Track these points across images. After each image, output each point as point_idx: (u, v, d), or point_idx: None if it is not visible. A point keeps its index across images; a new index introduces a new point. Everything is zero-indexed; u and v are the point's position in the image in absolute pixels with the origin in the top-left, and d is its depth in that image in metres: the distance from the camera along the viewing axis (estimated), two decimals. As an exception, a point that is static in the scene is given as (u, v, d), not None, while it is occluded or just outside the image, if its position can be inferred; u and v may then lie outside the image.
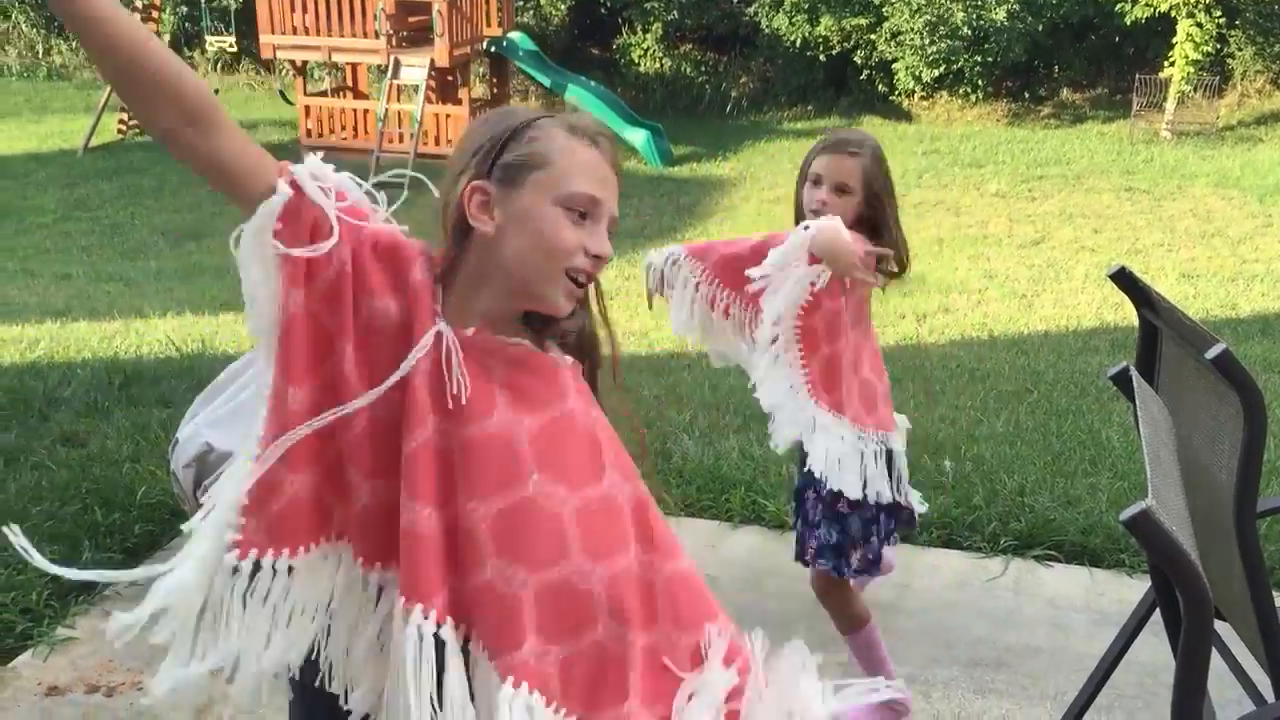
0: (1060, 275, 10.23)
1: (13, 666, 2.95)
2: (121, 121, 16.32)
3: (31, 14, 21.00)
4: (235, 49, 17.83)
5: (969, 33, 16.47)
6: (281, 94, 17.27)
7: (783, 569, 3.51)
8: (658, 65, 19.63)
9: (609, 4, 19.89)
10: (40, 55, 20.97)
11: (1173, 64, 17.03)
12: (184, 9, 18.80)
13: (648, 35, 19.49)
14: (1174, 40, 16.98)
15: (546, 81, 16.40)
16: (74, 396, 4.80)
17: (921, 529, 3.69)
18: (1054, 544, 3.59)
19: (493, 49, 16.13)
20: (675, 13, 19.08)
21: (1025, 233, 12.27)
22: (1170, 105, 17.12)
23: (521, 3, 19.00)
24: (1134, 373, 1.87)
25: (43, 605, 3.16)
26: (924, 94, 18.39)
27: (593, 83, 16.61)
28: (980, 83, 17.83)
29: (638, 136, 15.81)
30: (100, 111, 15.99)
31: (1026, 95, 18.79)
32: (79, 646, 3.00)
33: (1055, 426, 5.04)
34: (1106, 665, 2.44)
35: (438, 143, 15.52)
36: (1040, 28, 17.08)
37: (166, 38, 18.36)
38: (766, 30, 18.66)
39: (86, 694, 2.86)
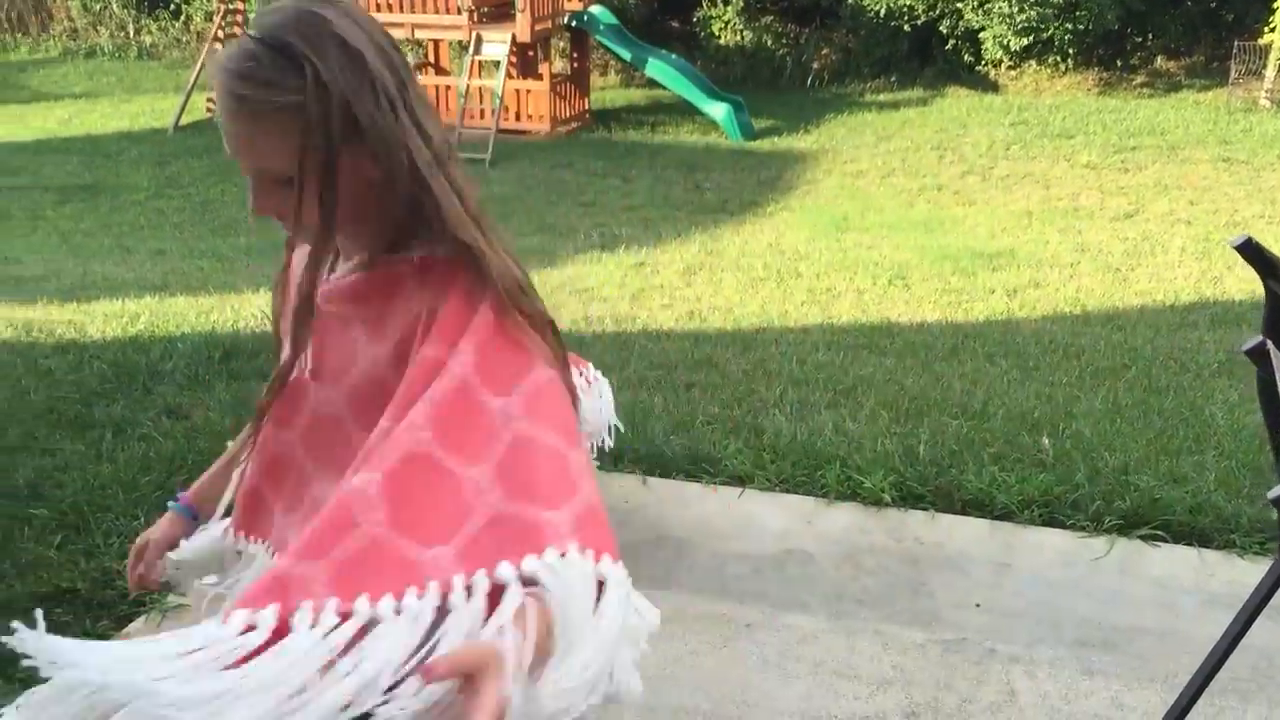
0: (1156, 249, 9.96)
1: (126, 633, 3.03)
2: (210, 100, 16.59)
3: (123, -5, 21.45)
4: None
5: (1059, 1, 16.06)
6: (365, 71, 17.43)
7: (880, 546, 3.48)
8: (738, 38, 19.44)
9: (689, -24, 19.77)
10: (131, 36, 21.41)
11: (1273, 30, 16.43)
12: (269, -12, 19.12)
13: (728, 8, 19.31)
14: (1275, 5, 16.39)
15: (626, 55, 16.34)
16: (176, 370, 4.91)
17: (1021, 507, 3.63)
18: (1161, 523, 3.50)
19: (573, 23, 16.11)
20: (756, -16, 18.92)
21: (1118, 205, 11.97)
22: (1270, 73, 16.54)
23: (601, -23, 18.96)
24: (1270, 345, 1.80)
25: (154, 572, 3.25)
26: (1011, 64, 17.99)
27: (673, 56, 16.51)
28: (1071, 51, 17.38)
29: (719, 110, 15.70)
30: (190, 90, 16.30)
31: (1119, 63, 18.28)
32: (189, 614, 3.07)
33: (1155, 403, 4.91)
34: (1224, 647, 2.37)
35: (518, 118, 15.58)
36: (1134, -6, 16.61)
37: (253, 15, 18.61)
38: (850, 1, 18.39)
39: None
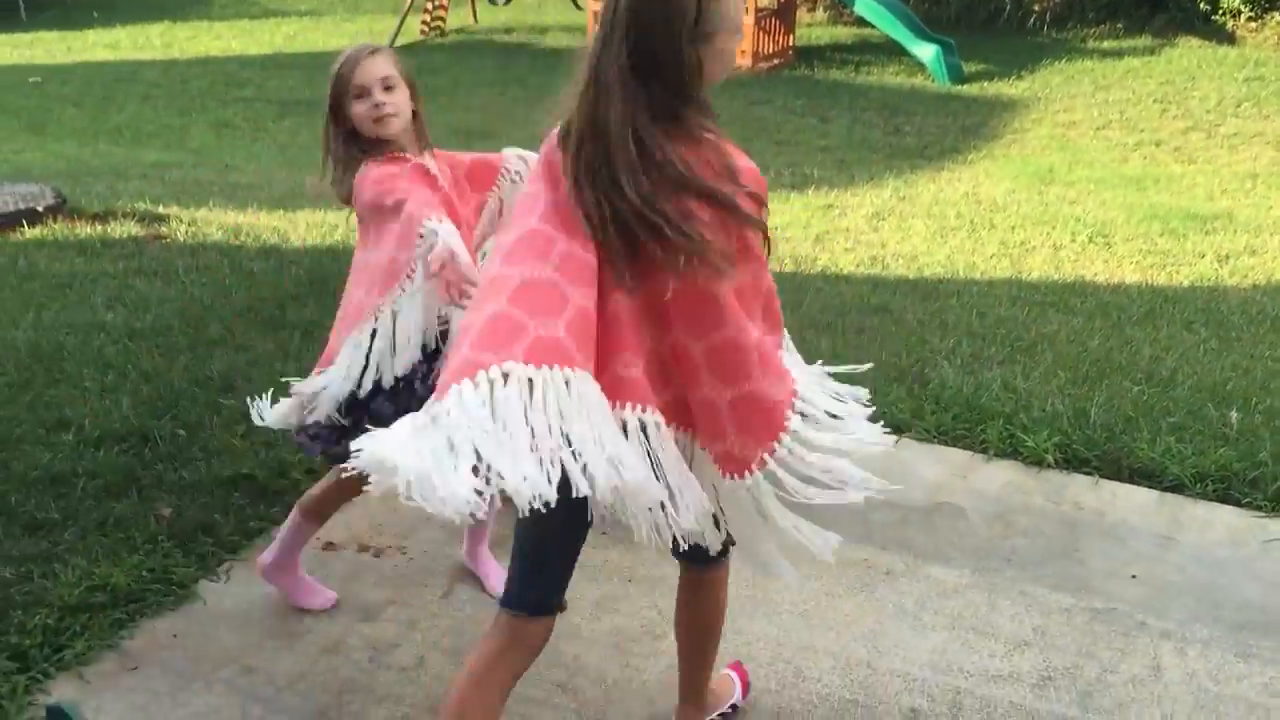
0: None
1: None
2: (424, 23, 17.10)
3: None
4: (532, -46, 18.30)
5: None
6: (574, 0, 17.59)
7: (1035, 507, 3.38)
8: (956, -24, 18.70)
9: (908, -89, 19.06)
10: (356, -43, 22.15)
11: None
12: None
13: (947, -55, 18.58)
14: None
15: (836, -9, 15.95)
16: (365, 279, 5.14)
17: (1194, 480, 3.46)
18: (1348, 511, 3.29)
19: (783, -43, 15.82)
20: (979, -80, 18.10)
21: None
22: None
23: (817, -91, 18.49)
24: None
25: (324, 467, 3.44)
26: (1252, 14, 16.71)
27: (884, -6, 16.03)
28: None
29: (926, 52, 15.19)
30: (406, 12, 16.80)
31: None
32: (355, 509, 3.25)
33: (1365, 384, 4.58)
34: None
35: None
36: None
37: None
38: (1079, -59, 17.42)
39: (358, 552, 3.12)
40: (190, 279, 5.13)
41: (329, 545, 3.13)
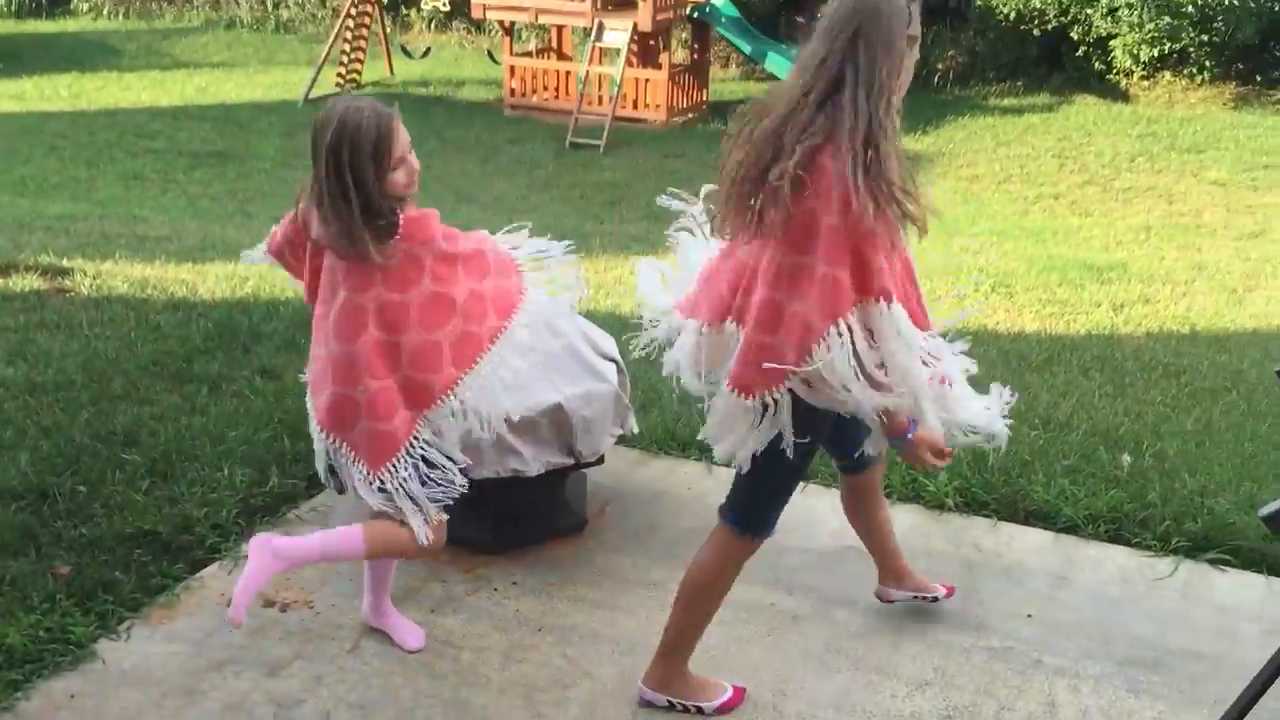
0: (1278, 270, 9.61)
1: (200, 577, 3.20)
2: (339, 76, 17.08)
3: (264, -30, 22.15)
4: (448, 8, 18.40)
5: (1192, 11, 15.49)
6: (489, 54, 17.73)
7: (937, 550, 3.47)
8: (863, 35, 19.20)
9: (816, -29, 19.60)
10: (270, 9, 22.09)
11: None
12: (404, -31, 19.55)
13: (854, 4, 19.08)
14: None
15: (747, 49, 16.32)
16: (275, 332, 5.11)
17: (1087, 521, 3.58)
18: (1230, 548, 3.42)
19: (695, 15, 16.13)
20: (884, -18, 18.65)
21: (1243, 224, 11.56)
22: None
23: (728, -32, 18.91)
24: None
25: (231, 522, 3.41)
26: (1144, 74, 17.43)
27: (793, 51, 16.39)
28: (1207, 63, 16.78)
29: (836, 107, 15.56)
30: (321, 65, 16.78)
31: (1258, 78, 17.60)
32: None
33: (1250, 429, 4.77)
34: (1270, 672, 2.32)
35: (636, 106, 15.66)
36: (1276, 7, 15.92)
37: (386, -4, 19.06)
38: (979, 3, 18.03)
39: (263, 607, 3.08)
40: (94, 332, 5.05)
41: (234, 600, 3.08)
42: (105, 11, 22.42)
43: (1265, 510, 1.25)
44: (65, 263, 6.66)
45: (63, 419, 4.02)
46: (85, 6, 22.51)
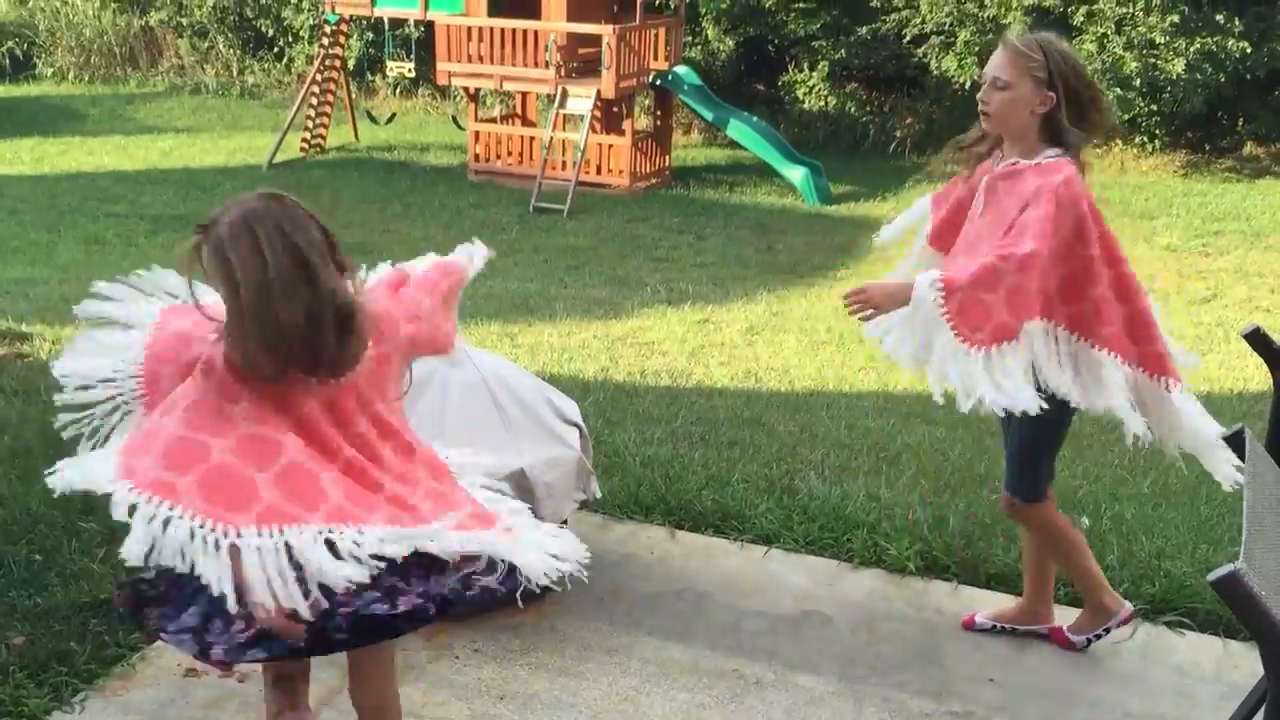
0: (1230, 335, 9.77)
1: (155, 647, 3.15)
2: (304, 141, 17.16)
3: (229, 35, 22.26)
4: (414, 75, 18.57)
5: (1141, 84, 15.91)
6: (454, 119, 17.88)
7: (899, 613, 3.48)
8: (822, 103, 19.56)
9: (777, 41, 19.96)
10: (235, 75, 22.20)
11: (1369, 120, 16.12)
12: (369, 35, 19.67)
13: (814, 73, 19.45)
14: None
15: (709, 116, 16.55)
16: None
17: (1048, 584, 3.60)
18: (1188, 611, 3.46)
19: (658, 82, 16.38)
20: (843, 52, 18.99)
21: (1195, 289, 11.78)
22: (1365, 163, 16.19)
23: (690, 38, 19.21)
24: (1248, 433, 1.82)
25: (189, 590, 3.36)
26: (1097, 142, 17.82)
27: (754, 119, 16.67)
28: (1158, 132, 17.20)
29: (795, 174, 15.80)
30: (285, 130, 16.85)
31: (1207, 147, 18.05)
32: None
33: (1206, 491, 4.83)
34: (1225, 738, 2.34)
35: (599, 172, 15.82)
36: (1223, 79, 16.39)
37: (351, 62, 19.21)
38: (935, 72, 18.43)
39: (221, 677, 3.04)
40: (52, 398, 5.00)
41: (190, 671, 3.04)
42: (70, 76, 22.42)
43: (1214, 576, 1.27)
44: (24, 327, 6.61)
45: (19, 487, 3.97)
46: (49, 71, 22.51)
